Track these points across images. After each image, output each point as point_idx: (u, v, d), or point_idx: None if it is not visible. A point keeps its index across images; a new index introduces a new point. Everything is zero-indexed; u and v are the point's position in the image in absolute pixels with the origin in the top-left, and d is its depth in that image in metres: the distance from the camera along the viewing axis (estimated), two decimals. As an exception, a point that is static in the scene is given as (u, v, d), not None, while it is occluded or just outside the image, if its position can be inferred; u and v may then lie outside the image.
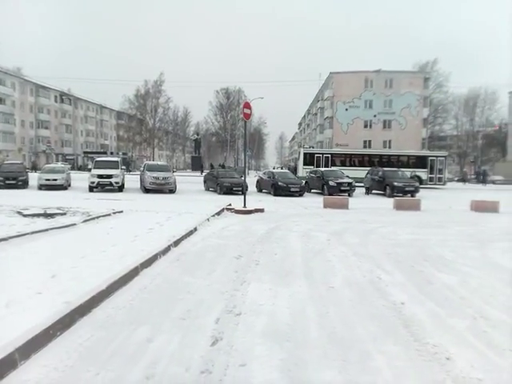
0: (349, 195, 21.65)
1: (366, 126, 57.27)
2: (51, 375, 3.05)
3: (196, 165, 59.52)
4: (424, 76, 58.98)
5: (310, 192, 24.77)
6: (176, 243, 8.02)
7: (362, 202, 18.97)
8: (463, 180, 48.51)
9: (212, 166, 54.09)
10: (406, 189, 22.80)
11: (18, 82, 67.30)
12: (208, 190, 25.22)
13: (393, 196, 20.72)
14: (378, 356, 3.48)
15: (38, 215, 10.81)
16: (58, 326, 3.71)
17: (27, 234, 8.09)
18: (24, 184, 24.01)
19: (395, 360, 3.41)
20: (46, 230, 8.67)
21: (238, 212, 13.81)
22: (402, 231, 10.48)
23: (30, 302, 4.18)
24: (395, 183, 22.91)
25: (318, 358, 3.45)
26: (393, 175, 24.20)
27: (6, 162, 30.12)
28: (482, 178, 46.44)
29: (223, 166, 52.80)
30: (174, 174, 24.78)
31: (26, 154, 68.38)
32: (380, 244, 8.66)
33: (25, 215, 10.81)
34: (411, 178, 26.86)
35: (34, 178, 24.89)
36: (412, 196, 22.21)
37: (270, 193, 23.13)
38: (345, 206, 16.13)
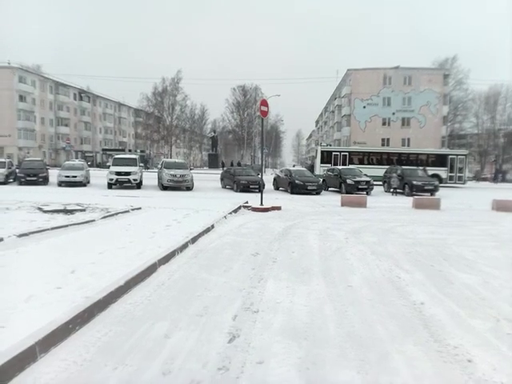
0: (367, 193, 21.46)
1: (384, 124, 56.62)
2: (70, 369, 3.08)
3: (213, 162, 59.74)
4: (443, 73, 57.98)
5: (327, 190, 24.63)
6: (193, 240, 8.05)
7: (380, 201, 18.76)
8: (476, 178, 47.65)
9: (223, 165, 54.64)
10: (426, 187, 22.50)
11: (38, 79, 68.37)
12: (225, 187, 25.28)
13: (412, 195, 20.45)
14: (398, 356, 3.42)
15: (58, 211, 10.97)
16: (77, 320, 3.74)
17: (47, 229, 8.21)
18: (44, 181, 24.43)
19: (415, 361, 3.35)
20: (66, 226, 8.79)
21: (254, 210, 13.79)
22: (421, 230, 10.33)
23: (50, 296, 4.23)
24: (414, 182, 22.61)
25: (336, 357, 3.41)
26: (412, 174, 23.89)
27: (26, 159, 30.66)
28: (494, 177, 46.14)
29: (239, 164, 52.99)
30: (191, 171, 24.89)
31: (46, 150, 69.51)
32: (399, 243, 8.54)
33: (45, 211, 10.98)
34: (431, 176, 26.43)
35: (54, 174, 25.29)
36: (431, 195, 21.91)
37: (286, 191, 23.07)
38: (363, 204, 15.98)
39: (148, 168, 50.92)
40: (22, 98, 64.03)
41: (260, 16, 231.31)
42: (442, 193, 22.56)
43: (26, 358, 3.03)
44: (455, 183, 32.71)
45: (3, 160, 27.33)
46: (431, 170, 30.46)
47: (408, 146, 52.52)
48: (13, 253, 6.24)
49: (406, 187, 22.94)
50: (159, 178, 23.32)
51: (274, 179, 25.77)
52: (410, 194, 21.52)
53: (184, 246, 7.41)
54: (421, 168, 26.68)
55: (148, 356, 3.32)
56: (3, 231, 7.61)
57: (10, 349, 2.97)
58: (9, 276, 4.96)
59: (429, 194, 22.04)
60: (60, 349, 3.37)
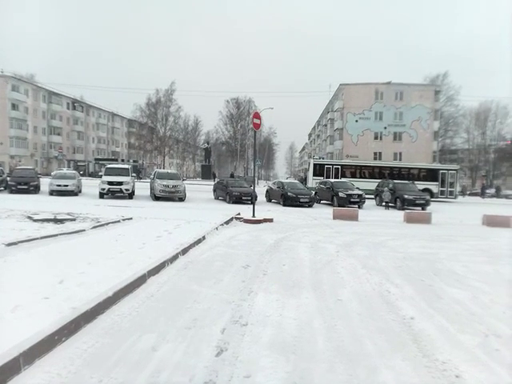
0: (359, 207, 21.54)
1: (376, 138, 57.02)
2: (54, 381, 3.03)
3: (206, 173, 59.81)
4: (435, 89, 58.70)
5: (319, 203, 24.69)
6: (184, 251, 8.00)
7: (372, 214, 18.82)
8: (463, 193, 48.09)
9: (214, 176, 54.89)
10: (417, 202, 22.62)
11: (31, 88, 68.22)
12: (217, 198, 25.24)
13: (403, 209, 20.55)
14: (386, 371, 3.41)
15: (48, 220, 10.89)
16: (63, 331, 3.70)
17: (37, 238, 8.13)
18: (35, 189, 24.24)
19: (403, 376, 3.34)
20: (56, 235, 8.71)
21: (246, 221, 13.77)
22: (412, 244, 10.37)
23: (37, 306, 4.17)
24: (406, 196, 22.74)
25: (324, 371, 3.39)
26: (404, 188, 24.04)
27: (18, 168, 30.45)
28: (481, 192, 47.79)
29: (232, 176, 53.08)
30: (184, 182, 24.85)
31: (38, 159, 69.10)
32: (390, 257, 8.55)
33: (35, 220, 10.89)
34: (422, 190, 26.58)
35: (45, 183, 25.11)
36: (423, 209, 22.04)
37: (279, 203, 23.08)
38: (354, 217, 16.02)
39: (141, 178, 50.82)
40: (14, 107, 63.80)
41: (254, 30, 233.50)
42: (433, 207, 22.69)
43: (9, 370, 2.98)
44: (446, 198, 32.92)
45: (-7, 168, 27.14)
46: (422, 185, 30.64)
47: (400, 160, 52.88)
48: (0, 262, 6.16)
49: (398, 201, 23.05)
50: (151, 189, 23.25)
51: (267, 191, 25.79)
52: (401, 208, 21.63)
53: (174, 258, 7.37)
54: (411, 182, 26.82)
55: (134, 368, 3.28)
56: (-9, 240, 7.53)
57: (-7, 360, 2.92)
58: (-5, 286, 4.89)
59: (420, 209, 22.16)
60: (45, 360, 3.32)
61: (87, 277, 5.44)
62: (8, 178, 25.56)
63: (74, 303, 4.28)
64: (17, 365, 3.07)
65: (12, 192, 23.50)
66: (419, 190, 25.32)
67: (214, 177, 56.47)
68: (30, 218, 11.29)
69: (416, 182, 27.46)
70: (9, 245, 7.33)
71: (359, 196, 22.72)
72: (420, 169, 34.62)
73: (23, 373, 3.10)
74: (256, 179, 16.52)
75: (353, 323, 4.55)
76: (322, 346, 3.89)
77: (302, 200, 22.07)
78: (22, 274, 5.52)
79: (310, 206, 22.18)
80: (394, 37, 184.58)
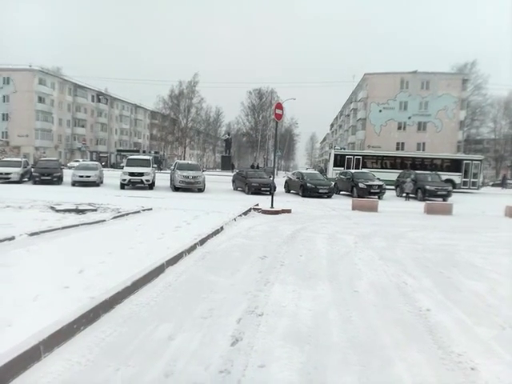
0: (379, 198, 21.31)
1: (399, 128, 56.17)
2: (73, 369, 3.11)
3: (226, 164, 60.02)
4: (462, 78, 57.33)
5: (338, 194, 24.53)
6: (202, 242, 8.08)
7: (392, 205, 18.61)
8: (483, 184, 46.98)
9: (233, 167, 55.07)
10: (439, 192, 22.29)
11: (57, 81, 69.41)
12: (236, 189, 25.33)
13: (424, 200, 20.25)
14: (400, 363, 3.40)
15: (70, 211, 11.11)
16: (82, 320, 3.79)
17: (58, 229, 8.33)
18: (58, 180, 24.74)
19: (417, 368, 3.33)
20: (77, 225, 8.90)
21: (265, 212, 13.80)
22: (431, 236, 10.23)
23: (57, 296, 4.29)
24: (427, 187, 22.40)
25: (338, 362, 3.40)
26: (425, 178, 23.68)
27: (42, 159, 31.13)
28: (501, 183, 47.14)
29: (256, 167, 53.12)
30: (204, 173, 24.99)
31: (62, 151, 70.43)
32: (408, 248, 8.47)
33: (57, 210, 11.13)
34: (444, 181, 26.10)
35: (68, 174, 25.60)
36: (444, 200, 21.68)
37: (298, 194, 23.02)
38: (374, 208, 15.87)
39: (161, 169, 51.26)
40: (41, 100, 65.02)
41: (276, 19, 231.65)
42: (455, 198, 22.31)
43: (30, 357, 3.08)
44: (469, 188, 32.27)
45: (19, 159, 27.82)
46: (445, 175, 30.07)
47: (423, 150, 52.06)
48: (23, 251, 6.33)
49: (419, 192, 22.73)
50: (171, 179, 23.46)
51: (286, 182, 25.73)
52: (422, 199, 21.31)
53: (192, 248, 7.45)
54: (433, 172, 26.34)
55: (151, 357, 3.35)
56: (15, 230, 7.74)
57: (15, 347, 3.02)
58: (18, 274, 5.04)
59: (441, 200, 21.80)
60: (64, 348, 3.41)
61: (107, 266, 5.56)
62: (32, 169, 26.13)
63: (93, 292, 4.38)
64: (37, 352, 3.16)
65: (36, 183, 24.04)
66: (441, 180, 24.89)
67: (233, 168, 56.72)
68: (52, 208, 11.54)
69: (438, 173, 26.96)
70: (31, 235, 7.52)
71: (379, 187, 22.48)
72: (443, 159, 33.99)
73: (43, 360, 3.19)
74: (275, 170, 16.49)
75: (368, 315, 4.54)
76: (336, 337, 3.89)
77: (321, 191, 21.95)
78: (44, 264, 5.66)
79: (329, 197, 22.05)
80: (421, 24, 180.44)
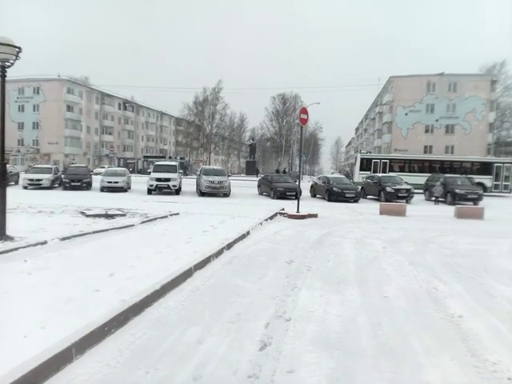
0: (407, 202, 20.95)
1: (427, 131, 55.14)
2: (103, 371, 3.16)
3: (250, 169, 60.14)
4: (491, 79, 55.91)
5: (365, 198, 24.23)
6: (229, 246, 8.12)
7: (420, 210, 18.27)
8: None
9: (258, 172, 55.18)
10: (469, 196, 21.73)
11: (85, 90, 71.15)
12: (262, 194, 25.34)
13: (454, 204, 19.80)
14: (432, 370, 3.32)
15: (100, 216, 11.33)
16: (113, 323, 3.85)
17: (89, 233, 8.51)
18: (88, 186, 25.28)
19: (450, 375, 3.24)
20: (107, 230, 9.07)
21: (290, 217, 13.75)
22: (462, 240, 9.98)
23: (88, 299, 4.37)
24: (457, 190, 21.88)
25: (368, 368, 3.34)
26: (455, 182, 23.15)
27: (71, 166, 31.91)
28: None
29: (284, 171, 53.08)
30: (229, 178, 25.12)
31: (91, 157, 72.01)
32: (438, 253, 8.28)
33: (87, 215, 11.36)
34: (475, 184, 25.44)
35: (96, 180, 26.15)
36: (475, 204, 21.13)
37: (324, 198, 22.86)
38: (402, 213, 15.61)
39: (187, 174, 51.78)
40: (69, 108, 66.70)
41: (299, 24, 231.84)
42: (486, 202, 21.68)
43: (62, 359, 3.14)
44: (501, 192, 31.36)
45: (49, 166, 28.60)
46: (475, 179, 29.32)
47: (452, 153, 50.92)
48: (55, 255, 6.49)
49: (449, 196, 22.23)
50: (197, 185, 23.65)
51: (312, 186, 25.58)
52: (452, 203, 20.83)
53: (219, 252, 7.49)
54: (464, 176, 25.72)
55: (180, 361, 3.37)
56: (47, 234, 7.95)
57: (47, 349, 3.09)
58: (51, 278, 5.15)
59: (472, 203, 21.26)
60: (95, 351, 3.47)
61: (136, 270, 5.63)
62: (62, 176, 26.80)
63: (124, 296, 4.45)
64: (69, 354, 3.23)
65: (66, 189, 24.65)
66: (472, 184, 24.28)
67: (258, 173, 56.84)
68: (82, 213, 11.80)
69: (468, 176, 26.30)
70: (63, 239, 7.71)
71: (407, 191, 22.11)
72: (473, 162, 33.15)
73: (75, 362, 3.26)
74: (301, 174, 16.46)
75: (399, 320, 4.46)
76: (366, 343, 3.83)
77: (347, 195, 21.74)
78: (75, 267, 5.78)
79: (355, 201, 21.81)
80: (449, 24, 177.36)
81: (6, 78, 7.62)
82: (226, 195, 22.79)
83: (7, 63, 7.41)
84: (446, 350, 3.71)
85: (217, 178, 22.69)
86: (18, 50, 7.35)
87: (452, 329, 4.24)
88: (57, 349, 3.13)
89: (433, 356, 3.58)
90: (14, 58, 7.38)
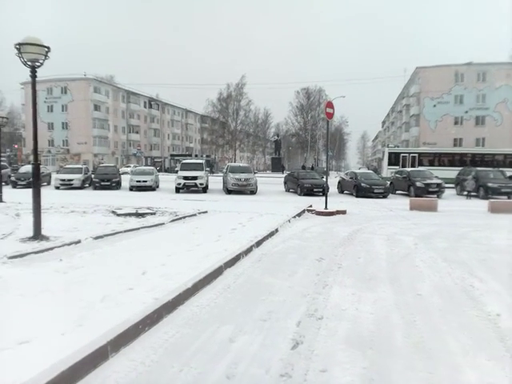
0: (437, 197, 20.50)
1: (456, 123, 53.80)
2: (138, 369, 3.22)
3: (276, 166, 60.08)
4: (523, 66, 54.10)
5: (394, 193, 23.84)
6: (258, 244, 8.13)
7: (452, 204, 17.85)
8: None
9: (283, 168, 55.02)
10: (502, 190, 21.07)
11: (111, 89, 72.32)
12: (288, 190, 25.27)
13: (487, 198, 19.27)
14: (470, 371, 3.24)
15: (130, 215, 11.53)
16: (146, 321, 3.92)
17: (121, 232, 8.67)
18: (117, 185, 25.77)
19: (489, 377, 3.15)
20: (138, 228, 9.22)
21: (319, 213, 13.66)
22: (497, 236, 9.70)
23: (123, 297, 4.45)
24: (490, 184, 21.28)
25: (402, 368, 3.29)
26: (487, 175, 22.52)
27: (101, 165, 32.57)
28: None
29: (311, 167, 52.76)
30: (255, 175, 25.14)
31: (119, 157, 73.28)
32: (473, 249, 8.07)
33: (118, 214, 11.58)
34: (509, 178, 24.65)
35: (125, 179, 26.61)
36: (509, 198, 20.49)
37: (351, 194, 22.62)
38: (433, 208, 15.28)
39: (213, 172, 52.14)
40: (96, 108, 67.97)
41: (322, 17, 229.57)
42: (521, 196, 21.03)
43: (99, 356, 3.22)
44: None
45: (80, 166, 29.24)
46: (509, 172, 28.43)
47: (482, 146, 49.57)
48: (89, 254, 6.64)
49: (481, 190, 21.64)
50: (224, 182, 23.78)
51: (339, 182, 25.35)
52: (485, 198, 20.26)
53: (249, 250, 7.51)
54: (496, 169, 24.98)
55: (213, 359, 3.39)
56: (81, 233, 8.15)
57: (85, 346, 3.16)
58: (85, 276, 5.27)
59: (506, 197, 20.63)
60: (130, 349, 3.54)
61: (168, 268, 5.70)
62: (92, 176, 27.40)
63: (156, 294, 4.51)
64: (105, 352, 3.30)
65: (96, 188, 25.17)
66: (505, 177, 23.55)
67: (283, 169, 56.71)
68: (113, 212, 12.03)
69: (501, 170, 25.51)
70: (96, 238, 7.88)
71: (438, 185, 21.65)
72: (506, 155, 32.15)
73: (110, 360, 3.33)
74: (328, 170, 16.28)
75: (433, 319, 4.37)
76: (400, 342, 3.77)
77: (376, 190, 21.46)
78: (108, 266, 5.89)
79: (384, 197, 21.50)
80: (475, 12, 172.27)
81: (36, 79, 7.81)
82: (253, 193, 22.84)
83: (37, 63, 7.60)
84: (484, 349, 3.62)
85: (243, 176, 22.76)
86: (46, 49, 7.54)
87: (489, 328, 4.13)
88: (94, 346, 3.20)
89: (470, 356, 3.49)
90: (43, 57, 7.57)
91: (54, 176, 28.06)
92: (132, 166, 52.93)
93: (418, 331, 4.02)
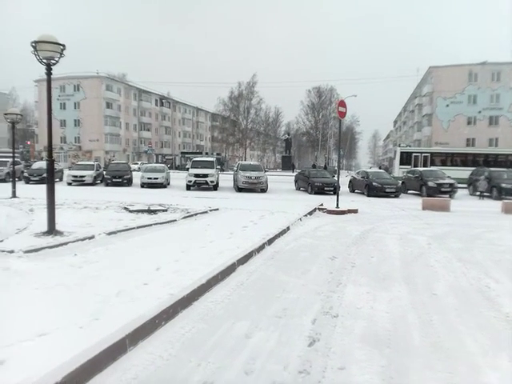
0: (450, 197, 20.31)
1: (469, 123, 53.23)
2: (157, 362, 3.23)
3: (286, 164, 59.98)
4: (538, 66, 53.32)
5: (406, 193, 23.67)
6: (270, 241, 8.11)
7: (465, 205, 17.68)
8: None
9: (294, 167, 54.95)
10: (516, 191, 20.82)
11: (123, 87, 72.73)
12: (299, 189, 25.21)
13: (500, 198, 19.04)
14: (491, 372, 3.20)
15: (142, 211, 11.57)
16: (162, 316, 3.93)
17: (133, 228, 8.71)
18: (128, 182, 25.91)
19: (511, 378, 3.10)
20: (150, 225, 9.25)
21: (330, 212, 13.60)
22: (511, 237, 9.59)
23: (138, 292, 4.47)
24: (503, 185, 21.03)
25: (421, 367, 3.26)
26: (500, 176, 22.26)
27: (112, 162, 32.79)
28: None
29: (324, 166, 52.51)
30: (266, 173, 25.10)
31: (130, 154, 73.73)
32: (487, 250, 7.98)
33: (130, 211, 11.63)
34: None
35: (137, 176, 26.74)
36: (523, 199, 20.22)
37: (363, 193, 22.51)
38: (446, 208, 15.15)
39: (223, 170, 52.20)
40: (108, 105, 68.40)
41: (333, 17, 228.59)
42: (535, 197, 20.75)
43: (117, 350, 3.23)
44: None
45: (92, 163, 29.44)
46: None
47: (496, 146, 49.01)
48: (103, 250, 6.68)
49: (494, 190, 21.40)
50: (235, 180, 23.78)
51: (350, 181, 25.23)
52: (498, 198, 20.03)
53: (261, 248, 7.50)
54: (510, 170, 24.66)
55: (230, 354, 3.39)
56: (94, 229, 8.19)
57: (103, 339, 3.18)
58: (100, 271, 5.31)
59: (520, 198, 20.37)
60: (147, 343, 3.55)
61: (181, 264, 5.72)
62: (104, 172, 27.56)
63: (171, 289, 4.52)
64: (124, 345, 3.31)
65: (107, 185, 25.33)
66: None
67: (294, 168, 56.66)
68: (126, 208, 12.08)
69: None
70: (109, 234, 7.93)
71: (451, 185, 21.46)
72: (520, 155, 31.74)
73: (129, 353, 3.34)
74: (339, 169, 16.22)
75: (450, 319, 4.32)
76: (417, 342, 3.74)
77: (387, 190, 21.32)
78: (123, 261, 5.92)
79: (396, 197, 21.36)
80: (489, 12, 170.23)
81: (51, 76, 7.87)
82: (264, 191, 22.81)
83: (52, 61, 7.65)
84: (504, 350, 3.57)
85: (254, 174, 22.74)
86: (62, 47, 7.59)
87: (507, 329, 4.08)
88: (112, 340, 3.22)
89: (489, 357, 3.45)
90: (58, 55, 7.62)
91: (66, 172, 28.28)
92: (140, 163, 53.18)
93: (435, 331, 3.99)
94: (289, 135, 68.39)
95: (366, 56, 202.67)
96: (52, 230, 7.77)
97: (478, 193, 21.91)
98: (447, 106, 53.76)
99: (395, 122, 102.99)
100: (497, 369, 3.24)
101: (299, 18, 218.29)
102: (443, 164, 31.11)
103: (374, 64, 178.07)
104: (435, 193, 20.99)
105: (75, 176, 25.61)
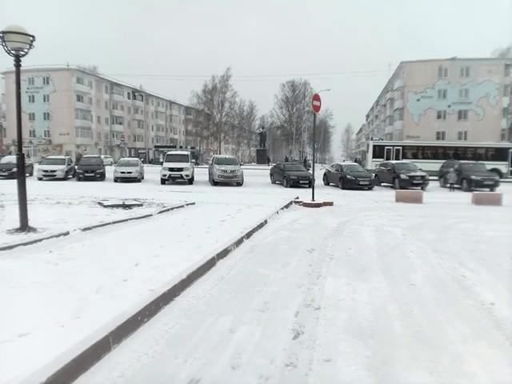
0: (422, 189, 20.75)
1: (439, 117, 54.46)
2: (142, 360, 3.16)
3: (261, 158, 60.06)
4: (505, 63, 54.81)
5: (379, 185, 24.05)
6: (248, 235, 8.10)
7: (436, 196, 18.10)
8: None
9: (269, 160, 55.23)
10: (485, 182, 21.45)
11: (94, 80, 71.12)
12: (274, 182, 25.28)
13: (470, 190, 19.58)
14: (472, 359, 3.26)
15: (117, 206, 11.36)
16: (145, 312, 3.85)
17: (109, 223, 8.53)
18: (101, 176, 25.42)
19: (492, 365, 3.18)
20: (126, 220, 9.10)
21: (306, 205, 13.69)
22: (484, 227, 9.84)
23: (118, 288, 4.37)
24: (473, 177, 21.62)
25: (405, 357, 3.30)
26: (470, 168, 22.87)
27: (84, 156, 32.03)
28: None
29: (305, 161, 52.76)
30: (241, 167, 25.06)
31: (102, 148, 72.28)
32: (461, 240, 8.18)
33: (105, 206, 11.40)
34: (490, 170, 25.07)
35: (109, 171, 26.24)
36: (491, 190, 20.84)
37: (337, 186, 22.74)
38: (419, 200, 15.47)
39: (198, 164, 51.80)
40: (79, 98, 66.76)
41: (308, 10, 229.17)
42: (502, 188, 21.39)
43: (101, 348, 3.15)
44: (517, 178, 30.90)
45: (63, 157, 28.71)
46: (490, 165, 28.89)
47: (465, 139, 50.30)
48: (79, 246, 6.52)
49: (464, 182, 21.99)
50: (210, 174, 23.64)
51: (325, 174, 25.46)
52: (468, 190, 20.62)
53: (240, 241, 7.47)
54: (478, 162, 25.37)
55: (215, 350, 3.36)
56: (68, 225, 8.00)
57: (87, 338, 3.09)
58: (78, 268, 5.17)
59: (488, 190, 20.99)
60: (131, 340, 3.48)
61: (160, 260, 5.63)
62: (76, 167, 26.93)
63: (152, 285, 4.45)
64: (107, 343, 3.23)
65: (80, 180, 24.78)
66: (487, 170, 23.95)
67: (269, 161, 56.85)
68: (100, 203, 11.84)
69: (483, 162, 25.94)
70: (84, 230, 7.75)
71: (422, 177, 21.92)
72: (487, 148, 32.66)
73: (113, 351, 3.26)
74: (314, 162, 16.30)
75: (429, 308, 4.40)
76: (400, 332, 3.79)
77: (361, 183, 21.61)
78: (100, 258, 5.78)
79: (370, 189, 21.68)
80: (461, 9, 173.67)
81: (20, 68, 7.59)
82: (239, 184, 22.78)
83: (21, 52, 7.38)
84: (483, 338, 3.65)
85: (229, 167, 22.68)
86: (31, 38, 7.34)
87: (485, 317, 4.18)
88: (95, 338, 3.13)
89: (470, 345, 3.52)
90: (27, 46, 7.36)
91: (36, 167, 27.48)
92: (103, 156, 51.93)
93: (416, 320, 4.05)
94: (263, 129, 68.38)
95: (341, 51, 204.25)
96: (25, 226, 7.53)
97: (448, 185, 22.49)
98: (418, 100, 54.83)
99: (368, 115, 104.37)
100: (477, 356, 3.31)
101: (276, 13, 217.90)
102: (415, 157, 31.71)
103: (348, 59, 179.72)
104: (407, 185, 21.40)
105: (46, 171, 24.95)
